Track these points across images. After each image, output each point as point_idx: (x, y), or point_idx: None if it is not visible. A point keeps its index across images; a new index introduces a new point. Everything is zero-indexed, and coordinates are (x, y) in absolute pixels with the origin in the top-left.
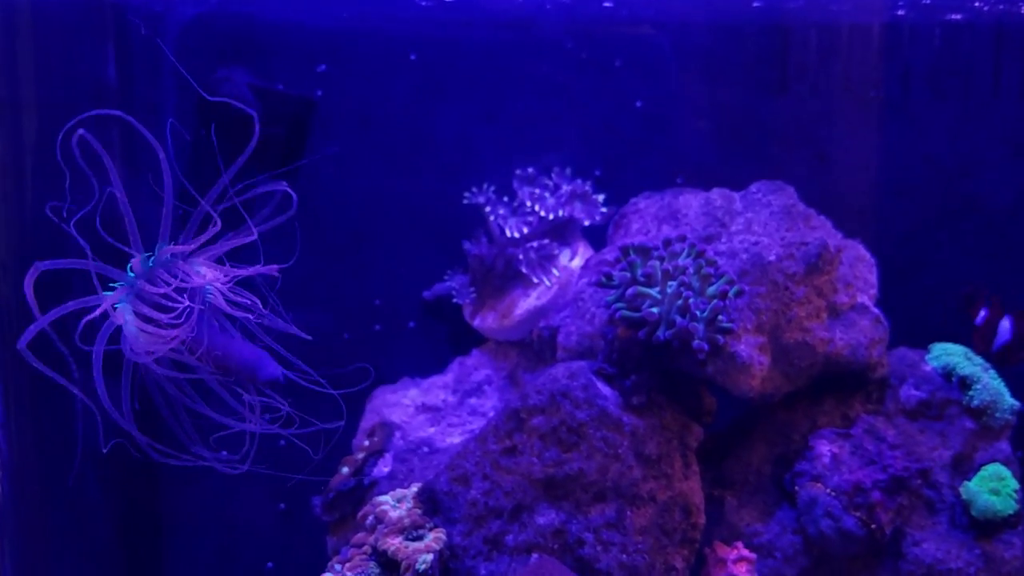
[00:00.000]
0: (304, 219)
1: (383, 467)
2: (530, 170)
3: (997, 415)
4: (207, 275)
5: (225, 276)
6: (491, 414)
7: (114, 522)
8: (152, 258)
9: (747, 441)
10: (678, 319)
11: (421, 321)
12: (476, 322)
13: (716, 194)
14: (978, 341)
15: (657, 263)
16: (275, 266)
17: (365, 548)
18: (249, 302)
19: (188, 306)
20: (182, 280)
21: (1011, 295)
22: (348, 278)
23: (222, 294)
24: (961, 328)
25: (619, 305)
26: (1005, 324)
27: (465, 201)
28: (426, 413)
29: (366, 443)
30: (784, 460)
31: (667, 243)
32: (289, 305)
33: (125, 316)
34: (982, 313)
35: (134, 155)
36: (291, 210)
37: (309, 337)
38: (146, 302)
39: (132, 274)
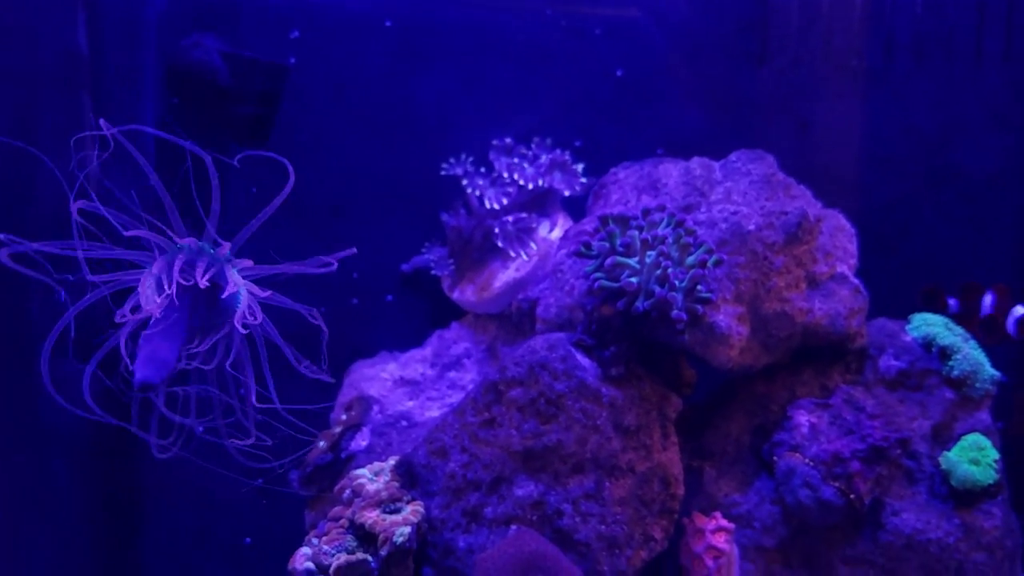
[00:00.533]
0: (279, 190)
1: (361, 441)
2: (507, 140)
3: (977, 385)
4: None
5: (258, 292)
6: (470, 387)
7: (87, 501)
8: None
9: (726, 412)
10: (657, 289)
11: (399, 294)
12: (455, 295)
13: (696, 163)
14: (974, 327)
15: (636, 233)
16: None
17: (342, 522)
18: (259, 319)
19: (168, 294)
20: (216, 278)
21: (991, 265)
22: (324, 251)
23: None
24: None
25: (598, 275)
26: (987, 299)
27: (442, 172)
28: (405, 387)
29: (343, 417)
30: (763, 431)
31: (646, 213)
32: (266, 280)
33: (153, 270)
34: (951, 302)
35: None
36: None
37: (325, 376)
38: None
39: (184, 247)
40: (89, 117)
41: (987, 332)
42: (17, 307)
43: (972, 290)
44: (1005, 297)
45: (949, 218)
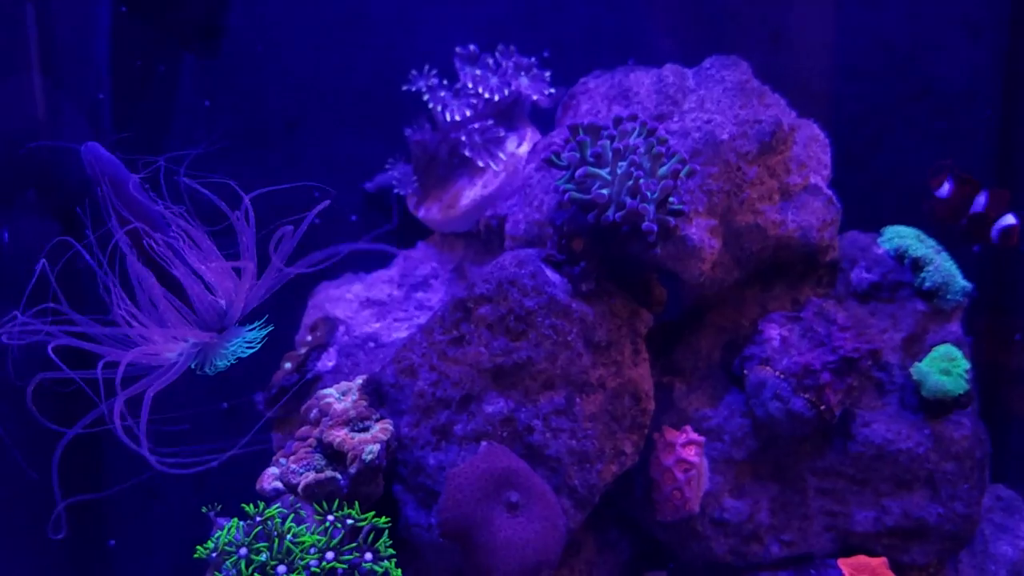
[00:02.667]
0: (231, 103)
1: (327, 361)
2: (472, 47)
3: (949, 297)
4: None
5: None
6: (438, 307)
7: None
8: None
9: (697, 328)
10: (628, 200)
11: (363, 213)
12: (420, 213)
13: (668, 71)
14: (944, 212)
15: (607, 142)
16: None
17: (310, 441)
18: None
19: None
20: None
21: None
22: (282, 168)
23: None
24: (914, 212)
25: (568, 187)
26: (981, 198)
27: (405, 88)
28: (371, 308)
29: (308, 338)
30: (734, 346)
31: (617, 122)
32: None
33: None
34: (946, 186)
35: (52, 41)
36: None
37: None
38: None
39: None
40: (33, 29)
41: (972, 230)
42: None
43: (968, 183)
44: (1000, 203)
45: (921, 131)
